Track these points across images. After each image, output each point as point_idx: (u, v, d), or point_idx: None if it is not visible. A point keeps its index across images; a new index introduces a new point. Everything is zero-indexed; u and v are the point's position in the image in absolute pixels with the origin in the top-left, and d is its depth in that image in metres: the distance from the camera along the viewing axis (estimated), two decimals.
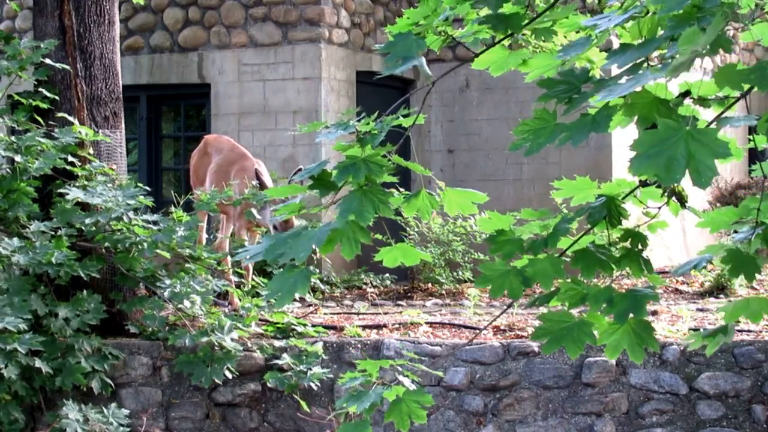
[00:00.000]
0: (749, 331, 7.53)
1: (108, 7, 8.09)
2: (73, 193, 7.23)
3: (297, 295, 8.34)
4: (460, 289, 10.00)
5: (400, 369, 3.11)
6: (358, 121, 2.71)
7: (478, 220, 2.97)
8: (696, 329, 7.48)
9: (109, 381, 7.33)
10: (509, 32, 2.78)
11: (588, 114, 2.43)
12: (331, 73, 11.04)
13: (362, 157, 2.61)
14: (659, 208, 2.89)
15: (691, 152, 2.11)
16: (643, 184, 2.81)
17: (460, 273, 10.06)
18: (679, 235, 12.36)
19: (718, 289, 9.55)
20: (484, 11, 2.87)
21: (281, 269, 2.70)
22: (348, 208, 2.56)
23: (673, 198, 2.76)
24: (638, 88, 2.44)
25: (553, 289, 2.74)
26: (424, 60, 2.69)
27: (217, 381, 7.16)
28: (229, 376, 7.20)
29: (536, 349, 7.27)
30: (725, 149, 2.11)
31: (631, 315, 2.61)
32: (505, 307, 8.84)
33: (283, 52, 11.08)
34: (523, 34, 3.04)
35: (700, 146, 2.12)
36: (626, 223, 2.86)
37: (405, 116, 2.72)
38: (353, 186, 2.61)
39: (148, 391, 7.51)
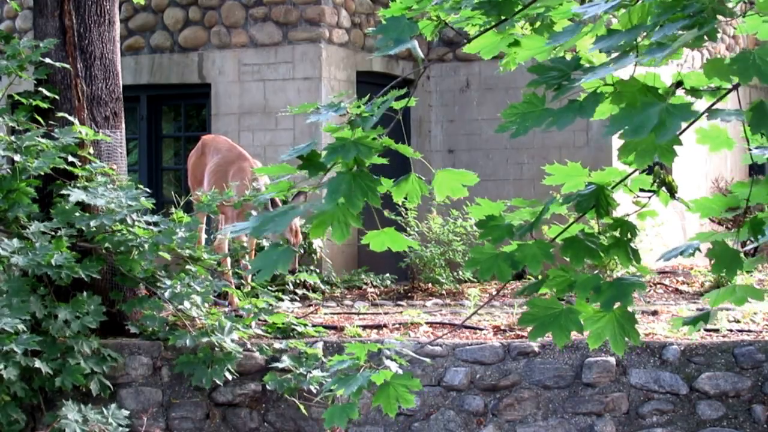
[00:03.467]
0: (749, 331, 7.52)
1: (108, 7, 8.09)
2: (75, 195, 7.22)
3: (296, 296, 8.26)
4: (460, 289, 9.99)
5: (388, 353, 3.10)
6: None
7: (470, 208, 2.97)
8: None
9: (107, 383, 7.32)
10: (502, 18, 2.77)
11: (576, 100, 2.44)
12: (332, 73, 11.03)
13: (352, 139, 2.59)
14: (649, 197, 2.90)
15: (662, 119, 2.18)
16: (639, 171, 2.81)
17: (460, 273, 10.06)
18: (680, 234, 12.35)
19: (719, 288, 9.53)
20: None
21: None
22: (336, 190, 2.54)
23: (663, 188, 2.76)
24: (624, 74, 2.44)
25: (541, 277, 2.74)
26: (416, 42, 2.68)
27: (217, 382, 7.17)
28: (229, 377, 7.20)
29: (536, 349, 7.27)
30: (690, 113, 2.19)
31: (618, 304, 2.60)
32: (505, 306, 8.84)
33: (284, 52, 11.08)
34: (523, 35, 3.03)
35: (671, 114, 2.19)
36: (619, 212, 2.86)
37: (397, 99, 2.70)
38: (342, 167, 2.60)
39: (149, 391, 7.51)
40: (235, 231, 2.65)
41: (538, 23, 2.99)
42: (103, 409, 7.06)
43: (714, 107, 2.46)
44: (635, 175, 2.79)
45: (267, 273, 2.58)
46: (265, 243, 8.70)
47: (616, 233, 2.77)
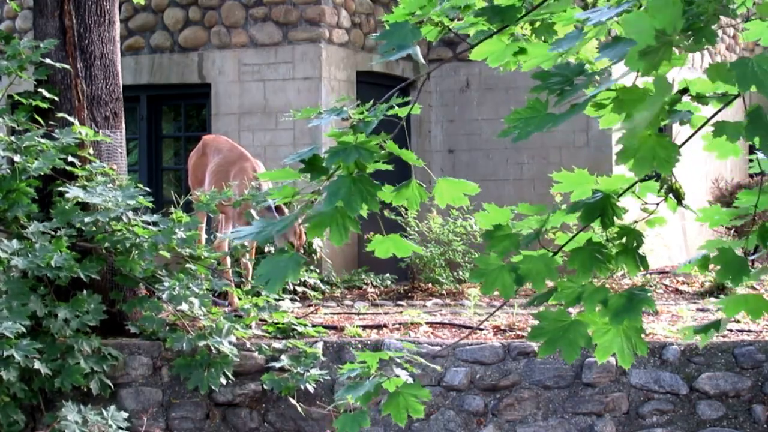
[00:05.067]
0: (749, 331, 7.53)
1: (108, 7, 8.08)
2: (73, 192, 7.22)
3: (296, 296, 8.25)
4: (460, 289, 9.99)
5: (398, 361, 3.11)
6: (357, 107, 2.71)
7: (476, 215, 2.97)
8: None
9: (108, 382, 7.32)
10: (505, 24, 2.77)
11: (577, 104, 2.44)
12: (332, 73, 11.03)
13: (354, 143, 2.60)
14: (657, 204, 2.89)
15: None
16: (642, 179, 2.80)
17: (460, 273, 10.06)
18: (680, 235, 12.36)
19: (719, 289, 9.54)
20: (480, 2, 2.87)
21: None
22: (335, 193, 2.55)
23: (671, 195, 2.75)
24: (628, 80, 2.42)
25: (550, 285, 2.73)
26: (418, 49, 2.68)
27: (213, 387, 7.17)
28: (224, 381, 7.20)
29: (537, 349, 7.27)
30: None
31: (626, 319, 2.59)
32: (505, 306, 8.83)
33: (284, 52, 11.08)
34: (524, 35, 3.04)
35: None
36: (626, 218, 2.85)
37: (400, 105, 2.71)
38: (343, 171, 2.60)
39: (149, 391, 7.51)
40: (239, 237, 2.65)
41: (538, 23, 2.99)
42: (103, 410, 7.05)
43: (721, 120, 2.46)
44: (643, 184, 2.78)
45: (277, 283, 2.57)
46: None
47: (623, 241, 2.77)
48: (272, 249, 8.68)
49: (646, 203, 2.86)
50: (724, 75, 2.31)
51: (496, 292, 2.73)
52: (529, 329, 7.72)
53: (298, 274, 2.60)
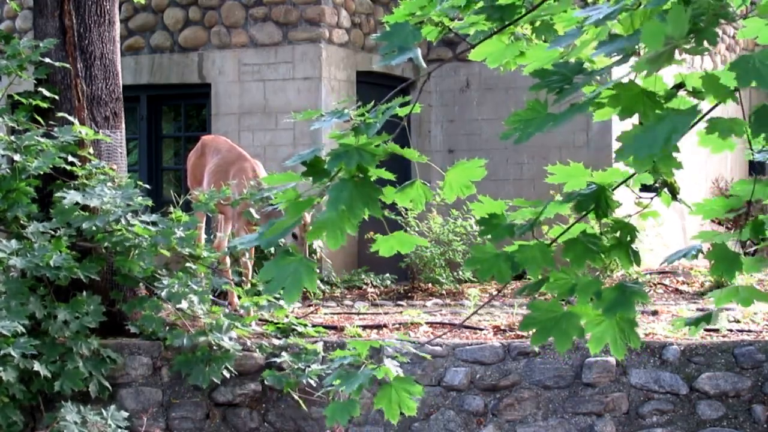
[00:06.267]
0: (749, 331, 7.52)
1: (108, 7, 8.08)
2: (71, 197, 7.21)
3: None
4: (460, 289, 9.99)
5: (389, 351, 3.10)
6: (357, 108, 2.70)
7: (472, 204, 2.96)
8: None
9: (106, 384, 7.31)
10: (505, 23, 2.78)
11: (576, 103, 2.45)
12: (332, 73, 11.03)
13: (355, 146, 2.59)
14: (651, 198, 2.90)
15: (669, 135, 2.18)
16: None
17: (460, 273, 10.06)
18: (680, 234, 12.35)
19: (719, 288, 9.53)
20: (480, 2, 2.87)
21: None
22: (338, 198, 2.54)
23: (665, 189, 2.76)
24: (625, 79, 2.43)
25: (541, 277, 2.74)
26: (419, 52, 2.68)
27: (215, 381, 7.16)
28: (227, 375, 7.20)
29: (537, 349, 7.27)
30: (693, 115, 2.19)
31: (620, 311, 2.60)
32: (505, 306, 8.84)
33: (284, 52, 11.08)
34: (524, 34, 3.04)
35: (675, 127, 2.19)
36: (620, 212, 2.85)
37: (401, 105, 2.70)
38: (345, 174, 2.60)
39: (149, 391, 7.50)
40: (244, 243, 2.64)
41: (538, 23, 3.00)
42: (102, 410, 7.05)
43: (715, 116, 2.46)
44: (638, 176, 2.78)
45: (293, 291, 2.55)
46: None
47: (617, 235, 2.77)
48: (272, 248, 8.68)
49: (640, 197, 2.87)
50: (718, 87, 2.32)
51: (495, 292, 2.74)
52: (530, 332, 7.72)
53: (315, 281, 2.58)
